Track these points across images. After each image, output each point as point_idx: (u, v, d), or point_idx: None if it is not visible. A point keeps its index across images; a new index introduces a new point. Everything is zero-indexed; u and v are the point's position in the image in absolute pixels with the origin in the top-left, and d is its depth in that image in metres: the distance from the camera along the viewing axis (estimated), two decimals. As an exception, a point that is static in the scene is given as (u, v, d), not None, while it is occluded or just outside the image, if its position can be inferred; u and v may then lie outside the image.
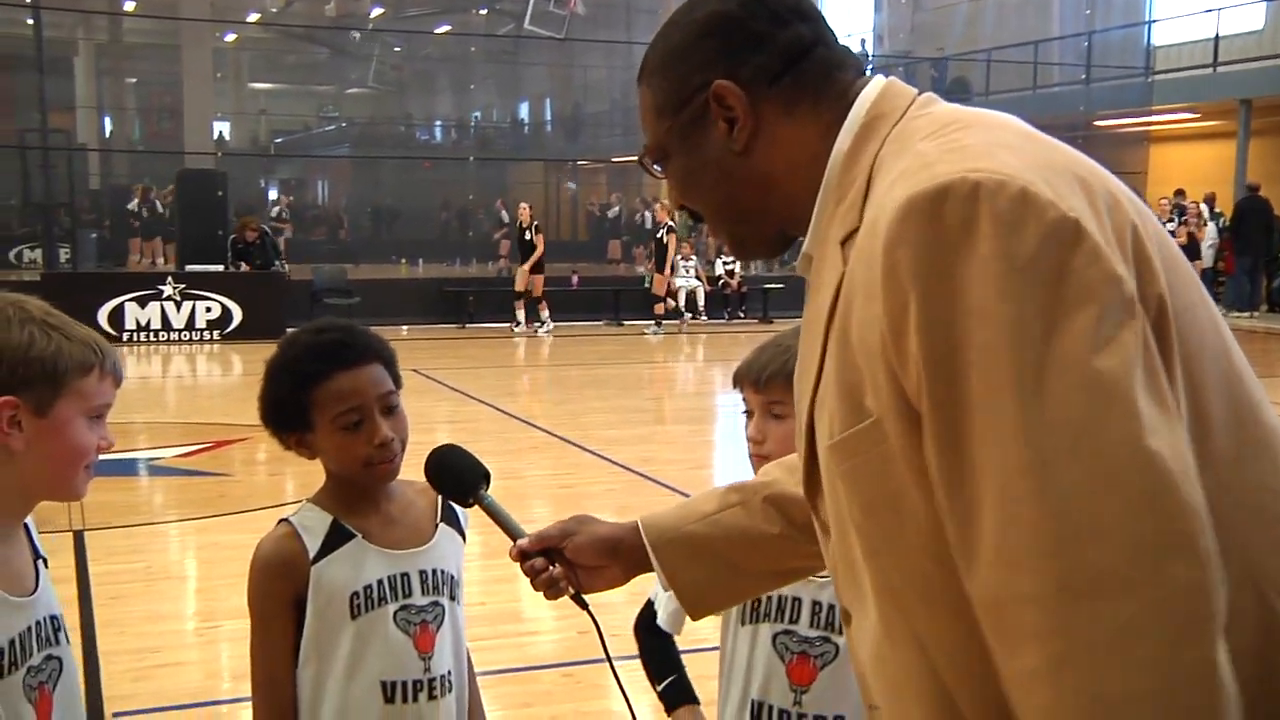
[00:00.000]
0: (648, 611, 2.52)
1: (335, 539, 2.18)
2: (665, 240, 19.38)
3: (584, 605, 1.80)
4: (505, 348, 17.46)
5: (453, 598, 2.27)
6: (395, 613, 2.19)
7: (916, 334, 1.18)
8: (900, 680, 1.32)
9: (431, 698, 2.20)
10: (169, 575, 6.46)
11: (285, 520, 2.22)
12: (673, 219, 18.98)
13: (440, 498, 2.29)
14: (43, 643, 1.84)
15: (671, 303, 19.40)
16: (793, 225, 1.43)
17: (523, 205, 19.34)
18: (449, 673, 2.24)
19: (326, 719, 2.16)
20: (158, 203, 27.27)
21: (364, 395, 2.15)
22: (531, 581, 1.81)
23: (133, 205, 27.46)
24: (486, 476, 1.94)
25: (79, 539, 6.92)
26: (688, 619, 2.40)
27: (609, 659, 1.81)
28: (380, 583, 2.18)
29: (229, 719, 4.53)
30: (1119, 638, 1.08)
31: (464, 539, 2.34)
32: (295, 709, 2.17)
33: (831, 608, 2.18)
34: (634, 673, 2.51)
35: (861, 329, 1.25)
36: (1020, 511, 1.11)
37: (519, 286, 18.72)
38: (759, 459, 2.25)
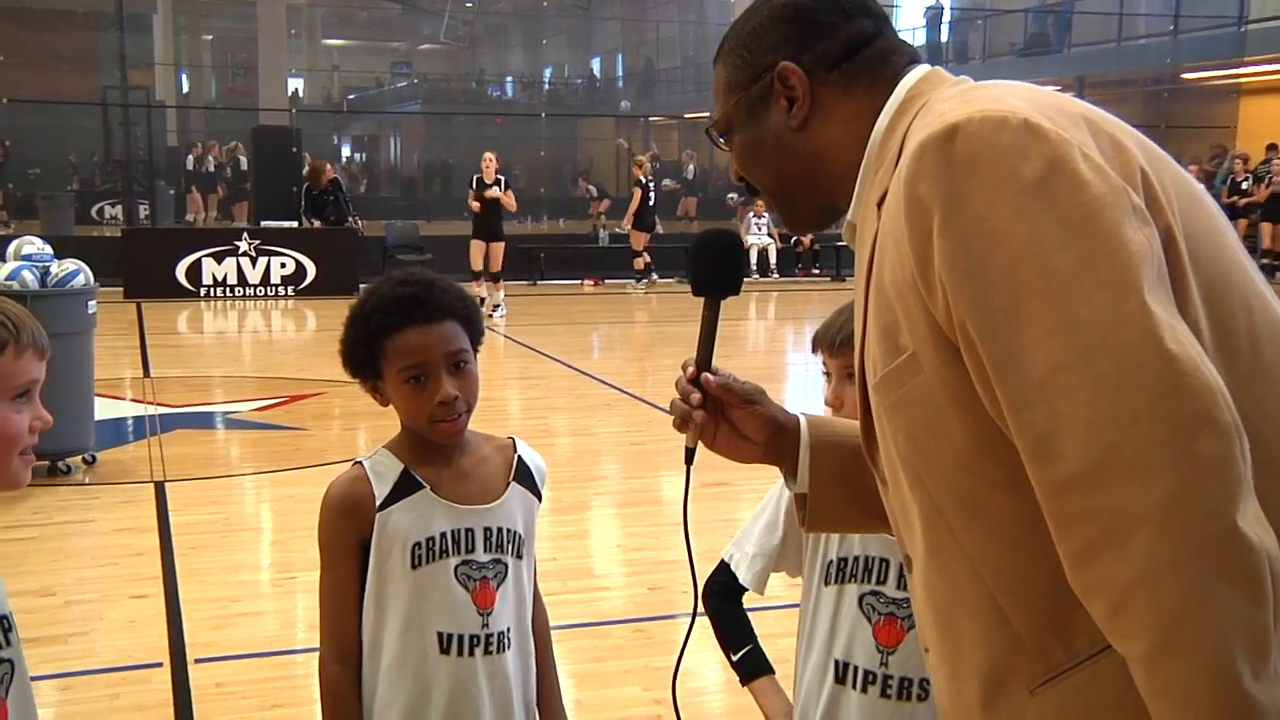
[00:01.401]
0: (719, 577, 2.49)
1: (403, 488, 2.20)
2: (633, 194, 19.21)
3: (689, 459, 1.75)
4: (577, 304, 17.51)
5: (519, 556, 2.28)
6: (456, 567, 2.20)
7: (941, 260, 1.27)
8: (949, 601, 1.39)
9: (488, 653, 2.22)
10: (246, 527, 6.58)
11: (358, 462, 2.25)
12: (643, 177, 18.90)
13: (517, 457, 2.32)
14: None
15: (645, 259, 19.21)
16: (840, 198, 1.55)
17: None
18: (508, 630, 2.25)
19: (385, 663, 2.19)
20: (210, 158, 27.52)
21: (430, 352, 2.16)
22: (672, 403, 1.78)
23: (189, 163, 27.61)
24: (736, 291, 1.81)
25: (160, 490, 7.07)
26: (768, 581, 2.41)
27: (691, 560, 1.80)
28: (443, 535, 2.20)
29: (304, 668, 4.61)
30: (1159, 509, 1.16)
31: (539, 499, 2.35)
32: (359, 648, 2.21)
33: None
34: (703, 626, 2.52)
35: (893, 272, 1.35)
36: (1061, 405, 1.20)
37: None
38: None
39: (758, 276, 20.53)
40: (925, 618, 1.46)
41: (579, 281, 19.82)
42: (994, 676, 1.36)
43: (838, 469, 1.77)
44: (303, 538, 6.12)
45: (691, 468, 1.76)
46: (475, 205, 15.07)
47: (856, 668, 2.22)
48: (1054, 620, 1.30)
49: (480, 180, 15.15)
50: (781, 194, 1.59)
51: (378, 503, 2.18)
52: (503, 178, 15.31)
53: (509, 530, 2.27)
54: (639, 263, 19.05)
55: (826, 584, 2.27)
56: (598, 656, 4.72)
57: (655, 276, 19.41)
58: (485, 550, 2.23)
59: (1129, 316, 1.19)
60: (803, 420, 1.80)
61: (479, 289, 14.81)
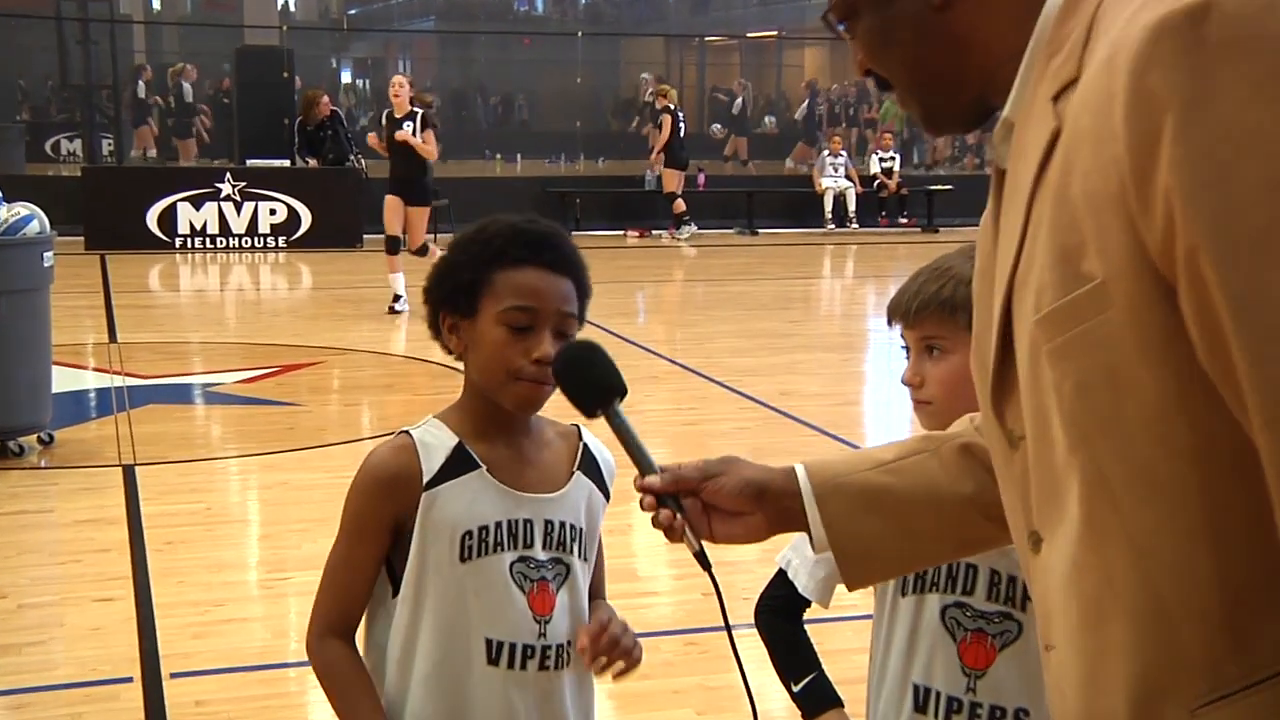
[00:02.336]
0: (777, 591, 2.48)
1: (456, 465, 2.22)
2: (661, 125, 19.23)
3: (706, 564, 1.80)
4: (619, 259, 17.53)
5: (582, 557, 2.31)
6: (512, 564, 2.22)
7: (1172, 170, 1.18)
8: (1099, 592, 1.33)
9: (543, 668, 2.23)
10: (231, 518, 6.66)
11: (406, 432, 2.26)
12: (671, 104, 18.84)
13: (583, 445, 2.35)
14: None
15: (683, 204, 19.21)
16: (992, 93, 1.46)
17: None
18: (567, 644, 2.26)
19: (420, 671, 2.20)
20: (185, 84, 27.23)
21: (545, 300, 2.19)
22: (652, 518, 1.82)
23: (141, 90, 26.91)
24: (622, 390, 1.96)
25: (129, 475, 7.16)
26: (836, 590, 2.41)
27: (729, 631, 1.81)
28: (499, 525, 2.22)
29: (298, 684, 4.67)
30: None
31: (607, 497, 2.39)
32: (352, 639, 2.24)
33: (1012, 579, 2.15)
34: (758, 647, 2.53)
35: (1088, 181, 1.26)
36: None
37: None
38: (922, 406, 2.24)
39: (833, 227, 20.48)
40: (1058, 608, 1.40)
41: (621, 232, 19.85)
42: (1146, 690, 1.30)
43: (858, 510, 1.76)
44: (296, 531, 6.18)
45: (712, 569, 1.80)
46: (379, 147, 13.03)
47: (938, 693, 2.21)
48: (1232, 629, 1.25)
49: (390, 115, 12.75)
50: (920, 88, 1.51)
51: (425, 480, 2.20)
52: (421, 112, 12.63)
53: (572, 525, 2.29)
54: (679, 205, 19.04)
55: (903, 594, 2.26)
56: (643, 674, 4.71)
57: (695, 227, 19.38)
58: (545, 547, 2.25)
59: None
60: (800, 471, 1.79)
61: (394, 270, 12.33)
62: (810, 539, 1.78)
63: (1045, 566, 1.42)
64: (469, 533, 2.19)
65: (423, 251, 12.40)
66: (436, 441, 2.23)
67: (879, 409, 9.52)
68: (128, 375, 9.38)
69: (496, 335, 2.18)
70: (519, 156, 28.16)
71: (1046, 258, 1.32)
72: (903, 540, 1.79)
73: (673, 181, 19.03)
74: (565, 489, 2.30)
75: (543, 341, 2.17)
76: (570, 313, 2.21)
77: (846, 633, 4.46)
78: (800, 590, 2.43)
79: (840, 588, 2.42)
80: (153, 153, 25.70)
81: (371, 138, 13.91)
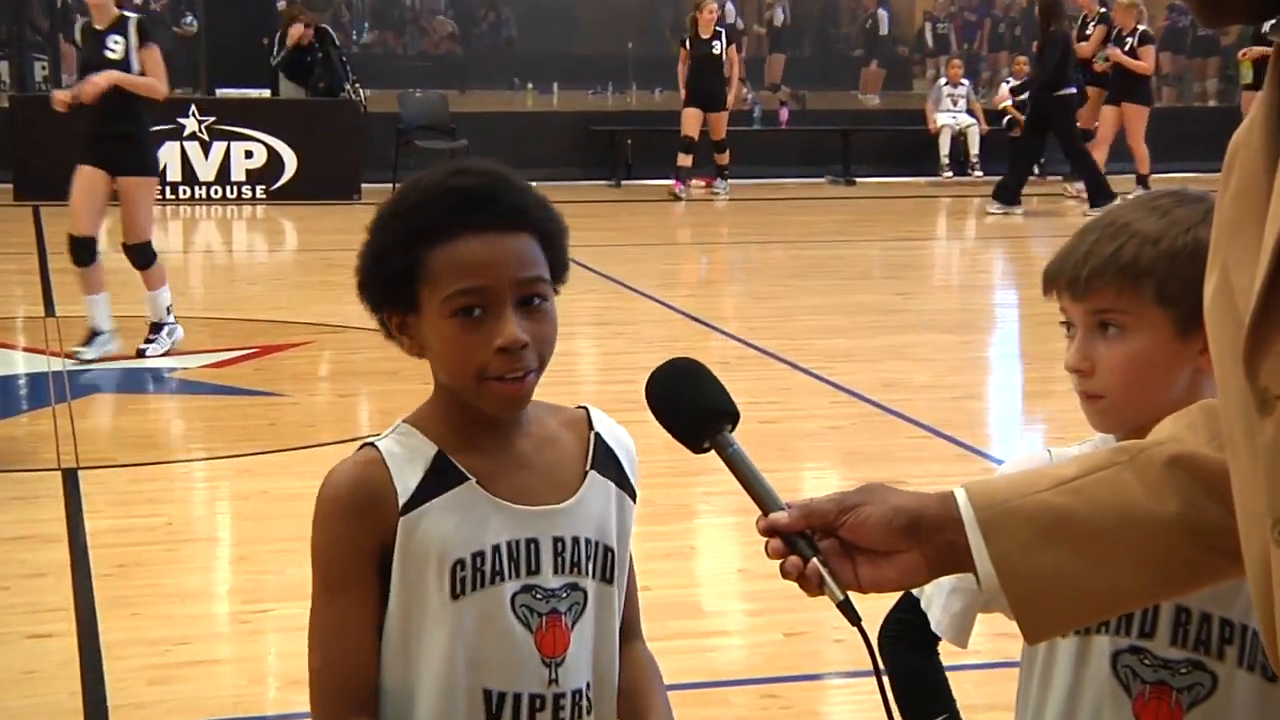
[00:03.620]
0: (904, 615, 2.47)
1: (438, 480, 2.20)
2: (724, 55, 18.98)
3: (854, 617, 1.79)
4: (679, 215, 17.53)
5: (605, 579, 2.30)
6: (514, 595, 2.21)
7: None
8: None
9: None
10: (196, 536, 6.69)
11: (370, 444, 2.24)
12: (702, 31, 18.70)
13: (594, 434, 2.33)
14: None
15: (725, 158, 19.12)
16: None
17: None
18: (586, 687, 2.27)
19: None
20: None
21: (493, 273, 2.15)
22: (780, 566, 1.82)
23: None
24: (734, 414, 1.95)
25: (70, 481, 7.19)
26: (972, 629, 2.40)
27: (887, 703, 1.82)
28: (496, 550, 2.21)
29: (281, 742, 4.70)
30: None
31: (634, 498, 2.36)
32: (374, 703, 2.20)
33: (1205, 618, 2.13)
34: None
35: None
36: None
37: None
38: (1092, 401, 2.22)
39: (951, 175, 20.38)
40: None
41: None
42: None
43: (1037, 537, 1.74)
44: (279, 552, 6.21)
45: (863, 625, 1.79)
46: (66, 102, 9.98)
47: None
48: None
49: (89, 27, 10.15)
50: None
51: (401, 501, 2.18)
52: (135, 18, 10.30)
53: (588, 541, 2.27)
54: (684, 160, 18.65)
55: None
56: (708, 735, 4.76)
57: (726, 184, 19.22)
58: (556, 571, 2.24)
59: None
60: (960, 495, 1.78)
61: (93, 290, 9.97)
62: (976, 578, 1.76)
63: None
64: (460, 562, 2.18)
65: (144, 256, 10.07)
66: (410, 452, 2.21)
67: (1012, 403, 9.50)
68: (68, 358, 9.40)
69: (447, 330, 2.16)
70: (555, 86, 28.11)
71: None
72: (1093, 578, 1.76)
73: (689, 123, 18.77)
74: (577, 495, 2.28)
75: (505, 324, 2.13)
76: (533, 276, 2.18)
77: (966, 685, 4.44)
78: (932, 625, 2.42)
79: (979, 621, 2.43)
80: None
81: (58, 95, 10.48)
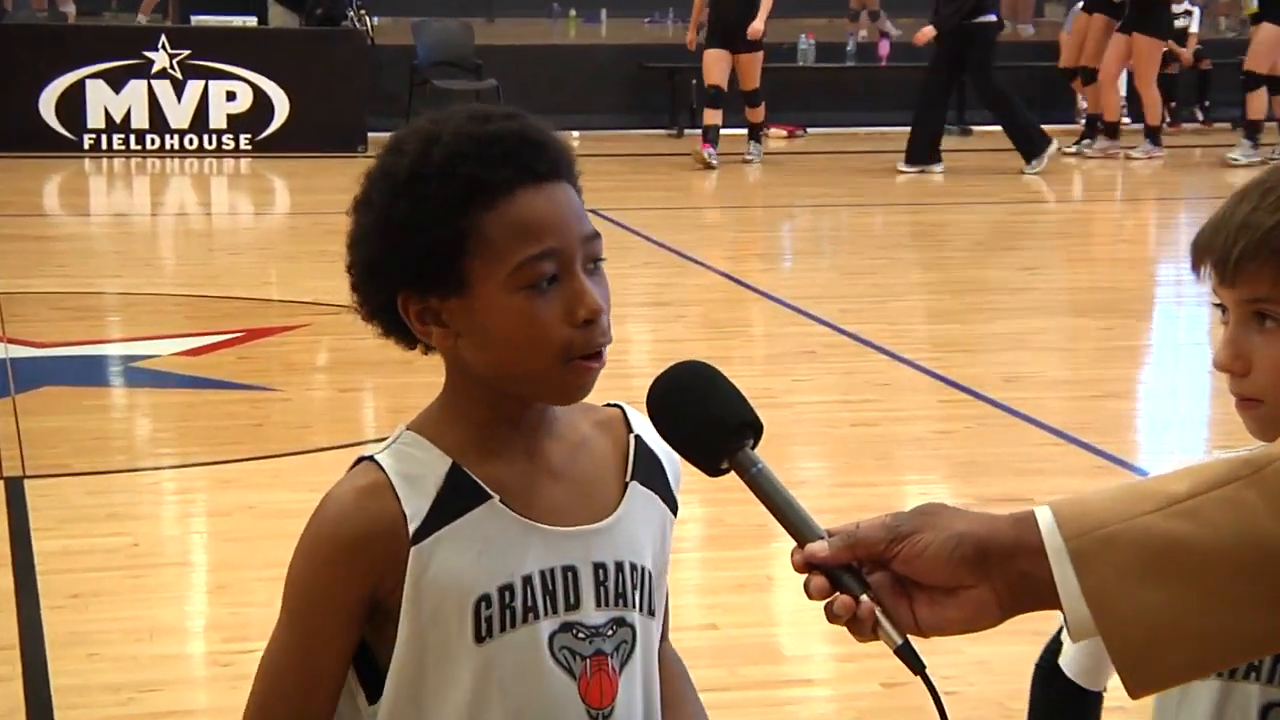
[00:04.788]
0: (1054, 645, 2.52)
1: (455, 499, 2.22)
2: None
3: (916, 664, 1.81)
4: (752, 173, 17.51)
5: (649, 611, 2.32)
6: (552, 635, 2.24)
7: None
8: None
9: None
10: (167, 559, 6.74)
11: (370, 459, 2.26)
12: None
13: (634, 438, 2.35)
14: None
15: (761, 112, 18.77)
16: None
17: None
18: None
19: None
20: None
21: (563, 233, 2.17)
22: (825, 608, 1.84)
23: None
24: (756, 426, 1.96)
25: (15, 492, 7.24)
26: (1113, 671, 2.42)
27: None
28: (528, 583, 2.23)
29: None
30: None
31: (674, 511, 2.39)
32: None
33: None
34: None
35: None
36: None
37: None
38: (1246, 406, 2.23)
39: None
40: None
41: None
42: None
43: (1141, 569, 1.72)
44: (265, 580, 6.24)
45: (927, 672, 1.80)
46: None
47: None
48: None
49: None
50: None
51: (412, 529, 2.20)
52: None
53: (633, 566, 2.30)
54: (712, 117, 17.54)
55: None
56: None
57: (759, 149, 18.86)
58: (599, 604, 2.26)
59: None
60: (1044, 517, 1.77)
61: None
62: (1064, 620, 1.76)
63: None
64: (485, 598, 2.20)
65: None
66: (420, 469, 2.22)
67: (1162, 405, 9.48)
68: (11, 342, 9.42)
69: (517, 307, 2.15)
70: (603, 14, 28.08)
71: None
72: (1211, 619, 1.74)
73: (714, 70, 17.71)
74: (618, 511, 2.30)
75: (584, 292, 2.15)
76: (594, 232, 2.20)
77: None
78: (1061, 663, 2.44)
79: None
80: (51, 7, 25.98)
81: None
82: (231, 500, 7.33)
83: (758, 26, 17.38)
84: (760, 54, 17.78)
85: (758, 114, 18.26)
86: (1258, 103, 18.05)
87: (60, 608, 6.06)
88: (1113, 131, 18.34)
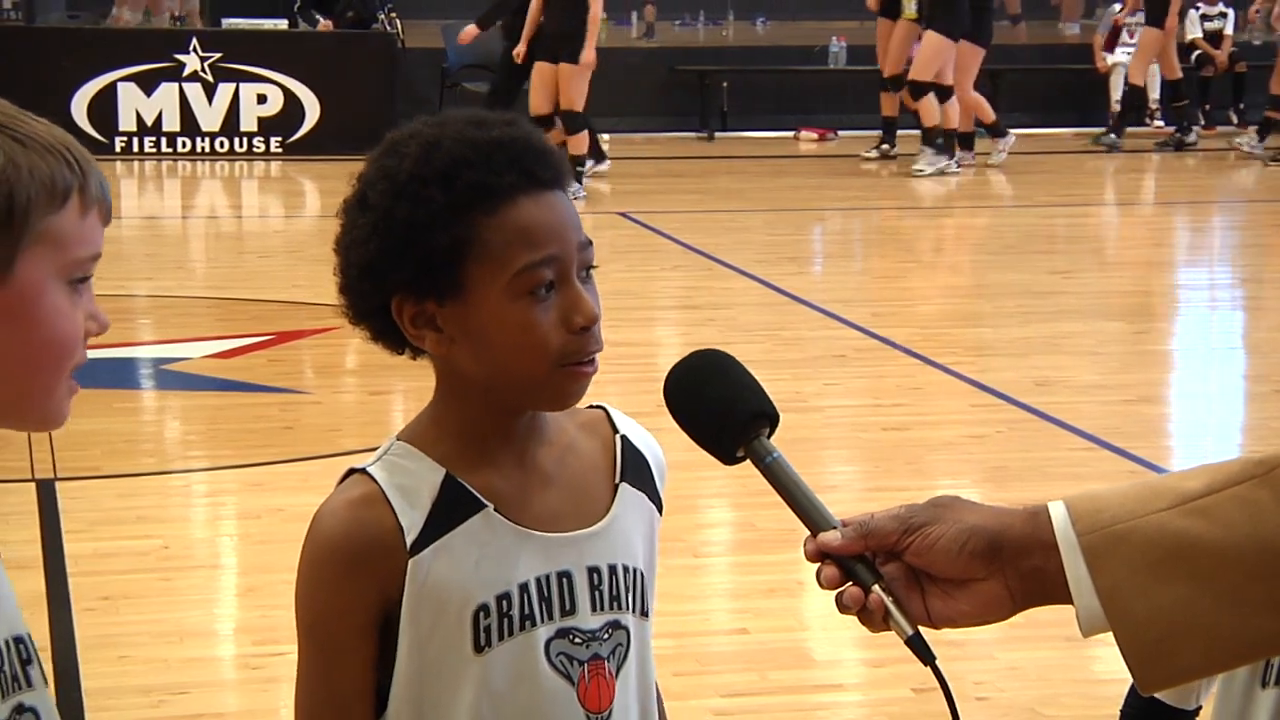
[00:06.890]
0: None
1: (449, 510, 2.23)
2: None
3: (927, 655, 1.82)
4: (788, 175, 17.50)
5: (643, 613, 2.34)
6: (549, 641, 2.25)
7: None
8: None
9: None
10: (198, 562, 6.77)
11: (361, 471, 2.26)
12: None
13: (620, 438, 2.37)
14: (6, 685, 1.87)
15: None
16: None
17: None
18: None
19: None
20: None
21: (561, 240, 2.19)
22: (836, 598, 1.85)
23: None
24: (772, 416, 1.97)
25: (46, 495, 7.29)
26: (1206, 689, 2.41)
27: None
28: (525, 590, 2.24)
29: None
30: None
31: (659, 509, 2.40)
32: None
33: None
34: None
35: None
36: None
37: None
38: None
39: (1114, 138, 20.22)
40: None
41: (791, 133, 19.85)
42: None
43: (1155, 567, 1.73)
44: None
45: (937, 663, 1.82)
46: None
47: None
48: None
49: None
50: None
51: (409, 540, 2.21)
52: None
53: (625, 569, 2.31)
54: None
55: (1264, 684, 2.28)
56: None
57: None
58: (594, 609, 2.27)
59: None
60: (1058, 512, 1.78)
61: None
62: (1077, 617, 1.77)
63: None
64: (483, 607, 2.21)
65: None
66: (414, 480, 2.23)
67: (1196, 410, 9.47)
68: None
69: (517, 313, 2.17)
70: (634, 17, 28.08)
71: None
72: (1225, 617, 1.75)
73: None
74: (610, 514, 2.31)
75: (581, 299, 2.18)
76: (588, 239, 2.23)
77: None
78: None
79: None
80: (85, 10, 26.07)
81: None
82: (261, 503, 7.37)
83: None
84: (574, 67, 16.42)
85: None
86: None
87: (91, 610, 6.10)
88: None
